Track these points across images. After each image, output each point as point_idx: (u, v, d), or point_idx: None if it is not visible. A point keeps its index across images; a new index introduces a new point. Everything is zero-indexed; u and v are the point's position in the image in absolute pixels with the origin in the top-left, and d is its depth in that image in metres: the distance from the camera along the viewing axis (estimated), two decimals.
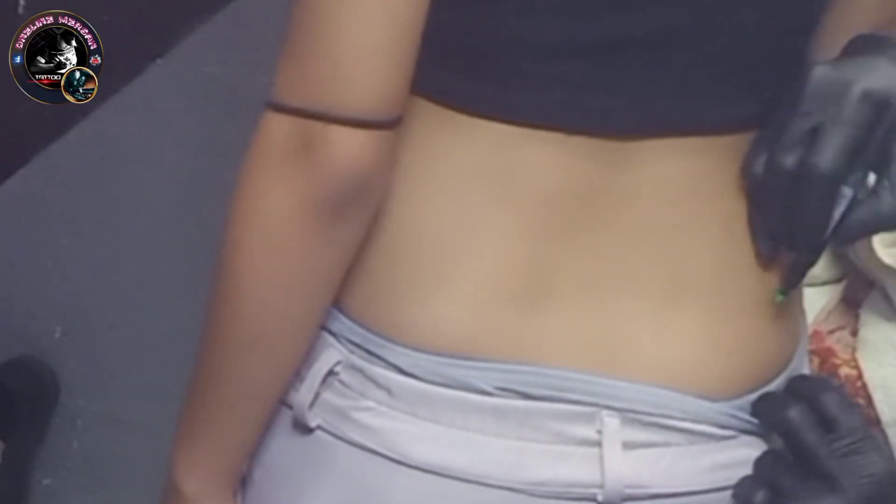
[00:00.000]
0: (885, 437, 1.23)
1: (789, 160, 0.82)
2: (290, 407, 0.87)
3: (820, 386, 0.86)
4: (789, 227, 0.84)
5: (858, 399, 1.25)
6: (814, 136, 0.82)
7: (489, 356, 0.82)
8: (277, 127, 0.79)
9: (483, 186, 0.82)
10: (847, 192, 0.84)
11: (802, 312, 0.95)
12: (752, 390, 0.87)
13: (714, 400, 0.85)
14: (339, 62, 0.77)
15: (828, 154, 0.81)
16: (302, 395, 0.86)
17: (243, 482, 0.92)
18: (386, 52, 0.77)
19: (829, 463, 0.83)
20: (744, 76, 0.84)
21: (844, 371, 1.27)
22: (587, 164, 0.82)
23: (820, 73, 0.82)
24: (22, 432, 1.72)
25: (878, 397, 1.26)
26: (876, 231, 0.88)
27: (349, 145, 0.77)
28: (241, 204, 0.81)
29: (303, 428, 0.87)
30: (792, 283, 0.87)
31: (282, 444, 0.89)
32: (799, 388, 0.87)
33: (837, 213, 0.84)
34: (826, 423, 0.84)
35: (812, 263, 0.87)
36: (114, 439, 1.74)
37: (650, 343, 0.84)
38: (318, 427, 0.86)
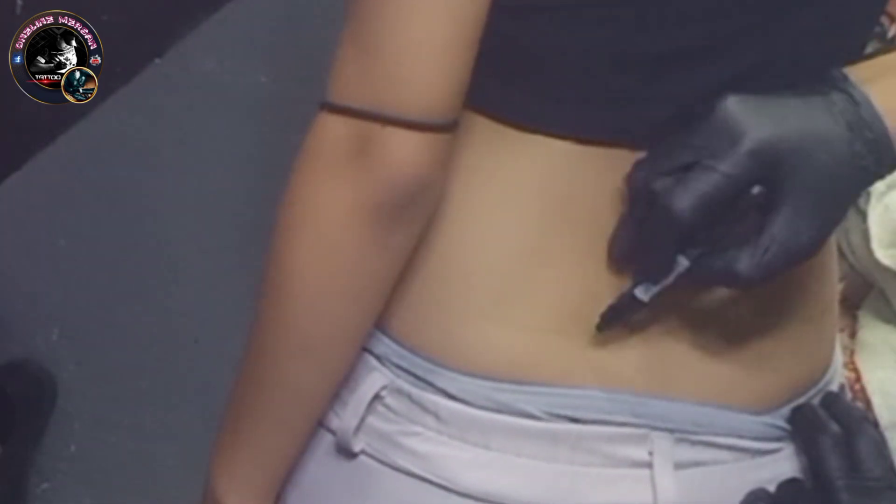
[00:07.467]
0: (884, 440, 1.23)
1: (657, 187, 0.77)
2: (333, 432, 0.86)
3: (859, 425, 0.85)
4: (634, 258, 0.80)
5: (857, 402, 1.25)
6: (686, 173, 0.76)
7: (538, 380, 0.81)
8: (333, 128, 0.77)
9: (538, 207, 0.81)
10: (682, 261, 0.77)
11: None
12: (793, 399, 0.87)
13: (758, 413, 0.85)
14: (399, 63, 0.75)
15: (685, 202, 0.75)
16: (346, 420, 0.84)
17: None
18: (445, 54, 0.75)
19: (843, 497, 0.82)
20: None
21: (843, 373, 1.27)
22: None
23: (726, 107, 0.76)
24: (19, 436, 1.72)
25: (876, 401, 1.26)
26: (721, 285, 0.80)
27: (406, 148, 0.75)
28: (293, 208, 0.79)
29: (346, 453, 0.85)
30: (611, 322, 0.80)
31: (322, 468, 0.87)
32: (838, 415, 0.86)
33: (672, 277, 0.78)
34: (852, 460, 0.83)
35: (637, 308, 0.80)
36: (111, 443, 1.74)
37: (697, 362, 0.83)
38: (363, 452, 0.84)
